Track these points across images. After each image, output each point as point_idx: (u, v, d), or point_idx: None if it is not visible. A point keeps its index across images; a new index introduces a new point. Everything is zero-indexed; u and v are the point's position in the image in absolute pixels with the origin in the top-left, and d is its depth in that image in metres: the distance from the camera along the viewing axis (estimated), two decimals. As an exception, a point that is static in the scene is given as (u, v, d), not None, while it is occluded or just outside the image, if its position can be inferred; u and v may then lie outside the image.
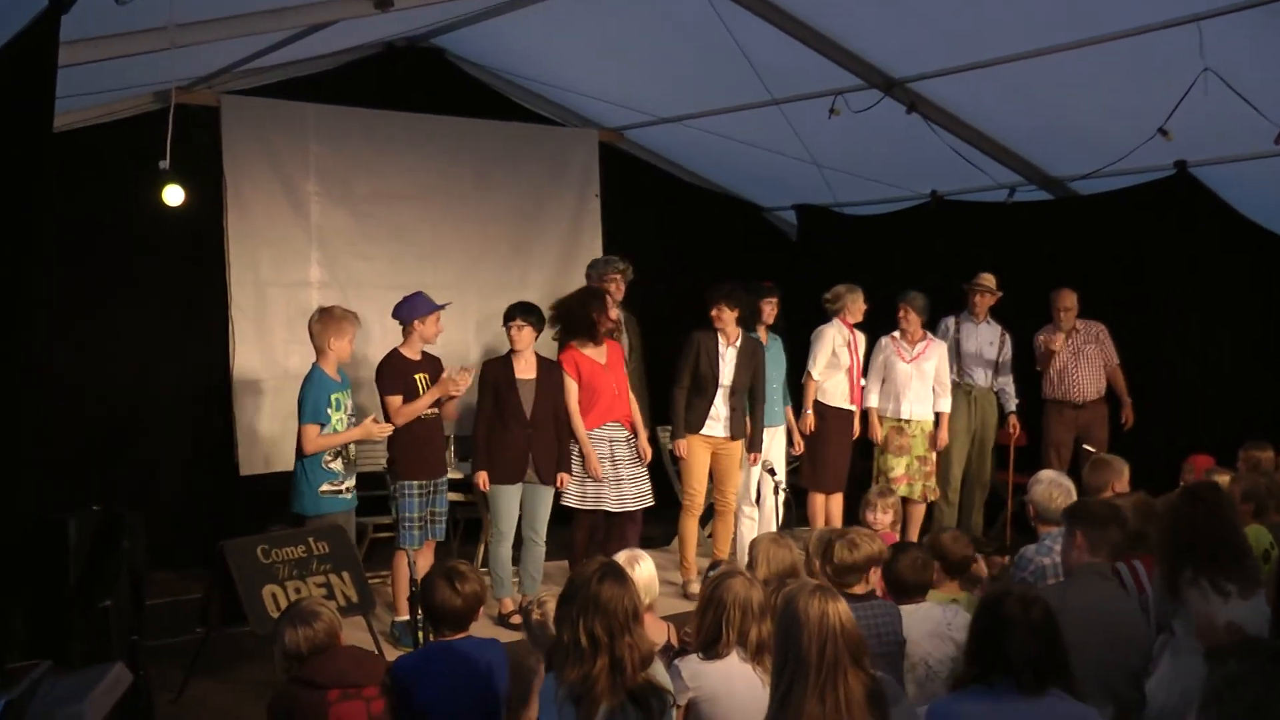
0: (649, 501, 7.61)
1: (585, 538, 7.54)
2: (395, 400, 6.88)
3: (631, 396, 7.75)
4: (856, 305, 8.57)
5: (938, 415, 8.71)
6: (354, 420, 6.75)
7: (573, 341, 7.54)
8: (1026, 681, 3.25)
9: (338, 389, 6.70)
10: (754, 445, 8.04)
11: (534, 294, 9.28)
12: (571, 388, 7.45)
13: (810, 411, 8.47)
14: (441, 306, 7.01)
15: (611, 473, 7.49)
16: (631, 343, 8.30)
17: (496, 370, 7.31)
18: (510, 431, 7.23)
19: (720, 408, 7.89)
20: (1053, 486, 5.89)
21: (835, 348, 8.47)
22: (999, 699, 3.26)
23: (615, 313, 7.60)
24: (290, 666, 4.17)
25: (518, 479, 7.26)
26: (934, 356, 8.69)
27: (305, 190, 8.80)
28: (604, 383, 7.52)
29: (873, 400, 8.63)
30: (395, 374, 6.92)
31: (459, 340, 9.25)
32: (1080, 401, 8.88)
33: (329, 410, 6.61)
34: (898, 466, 8.55)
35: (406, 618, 6.82)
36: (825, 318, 8.64)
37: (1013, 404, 9.09)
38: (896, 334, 8.68)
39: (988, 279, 8.93)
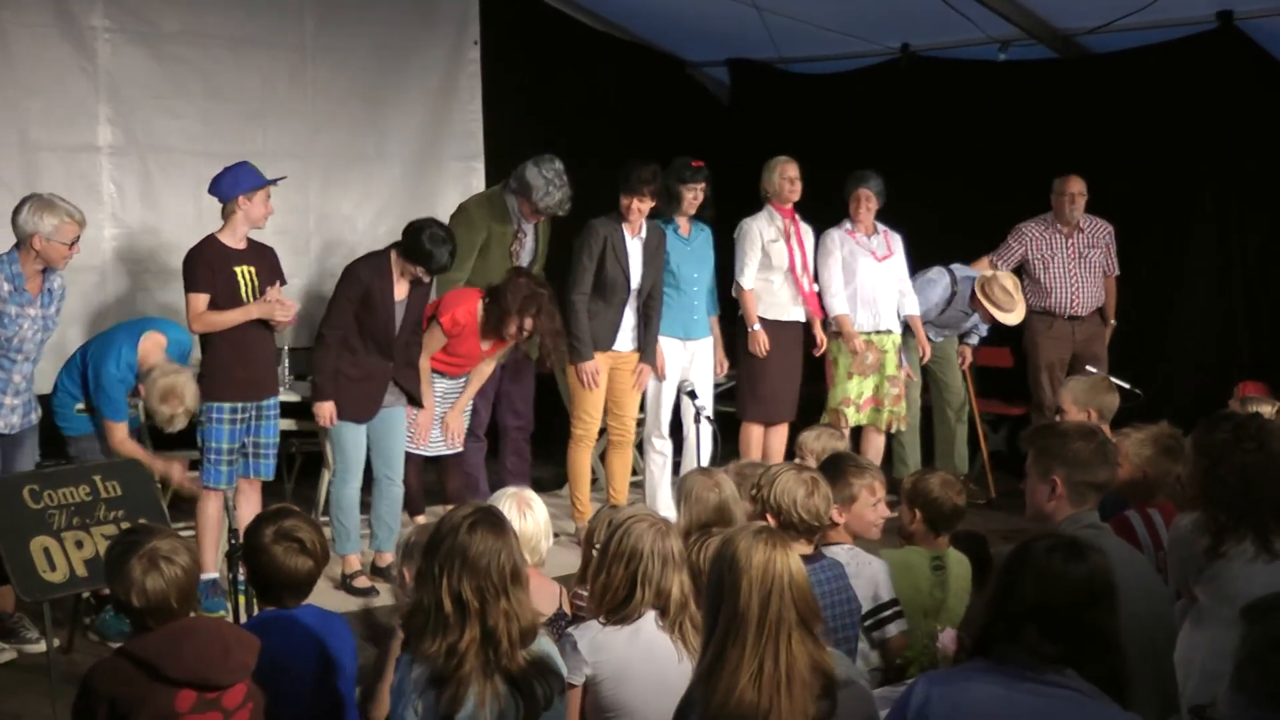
0: (455, 448, 7.84)
1: (418, 478, 7.85)
2: (198, 300, 6.70)
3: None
4: (786, 181, 8.39)
5: (909, 320, 8.72)
6: None
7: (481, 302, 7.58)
8: (1046, 653, 3.17)
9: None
10: (647, 354, 8.04)
11: (394, 167, 9.11)
12: (434, 339, 7.49)
13: (758, 328, 8.36)
14: (273, 181, 6.83)
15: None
16: (538, 249, 8.29)
17: (370, 276, 7.15)
18: (369, 359, 7.17)
19: (629, 315, 7.97)
20: None
21: (765, 244, 8.37)
22: (1004, 679, 3.17)
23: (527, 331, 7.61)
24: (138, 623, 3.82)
25: (367, 417, 7.23)
26: (898, 250, 8.71)
27: (90, 24, 8.48)
28: (469, 361, 7.70)
29: (840, 306, 8.54)
30: (205, 265, 6.72)
31: (296, 226, 9.13)
32: (1078, 314, 8.97)
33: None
34: (865, 389, 8.52)
35: (213, 575, 6.77)
36: (760, 202, 8.53)
37: (976, 338, 9.28)
38: (848, 225, 8.61)
39: (1012, 294, 8.78)
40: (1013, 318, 8.76)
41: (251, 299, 6.76)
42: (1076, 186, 8.86)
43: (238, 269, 6.77)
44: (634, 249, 7.88)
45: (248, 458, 6.91)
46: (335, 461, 7.29)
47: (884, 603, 5.02)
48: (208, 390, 6.77)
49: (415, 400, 7.41)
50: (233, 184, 6.77)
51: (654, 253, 7.97)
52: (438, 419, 7.68)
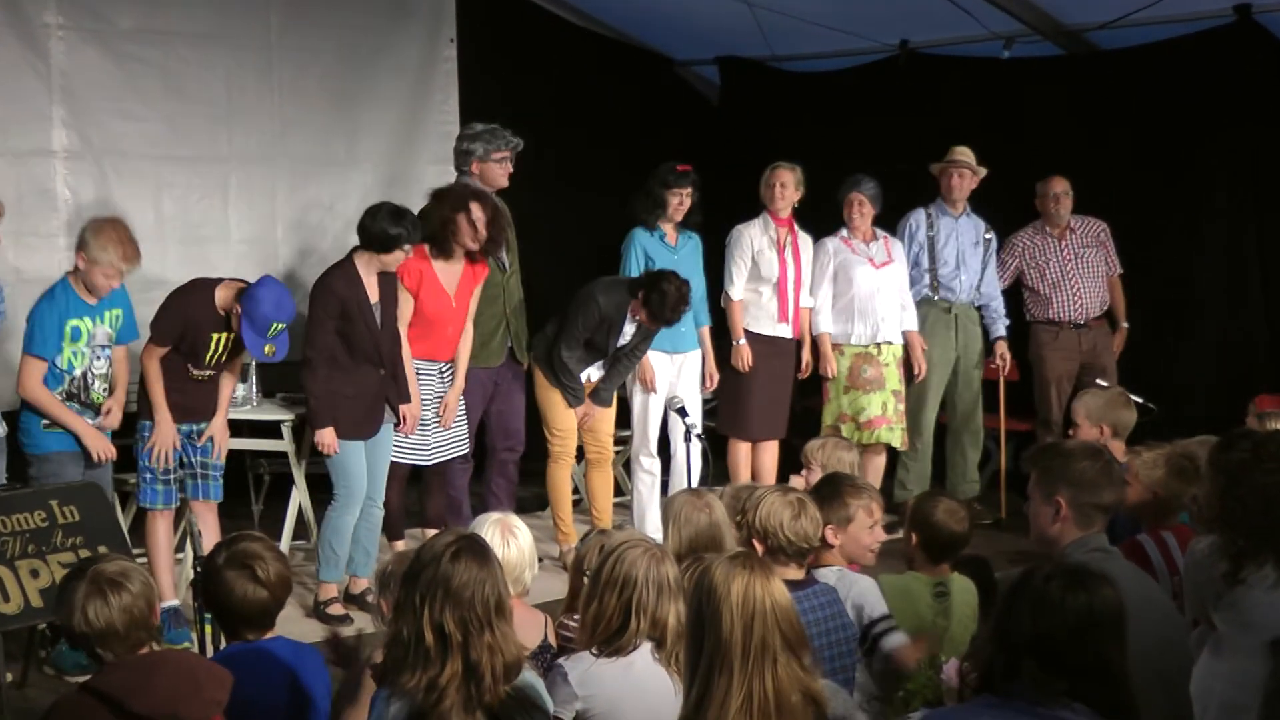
0: (461, 449, 7.76)
1: (399, 498, 7.71)
2: (153, 354, 6.70)
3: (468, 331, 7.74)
4: (769, 189, 8.43)
5: (906, 336, 8.72)
6: (102, 356, 6.66)
7: (426, 244, 7.43)
8: (1048, 689, 3.16)
9: (83, 313, 6.58)
10: (600, 395, 8.10)
11: (366, 172, 9.09)
12: (405, 306, 7.38)
13: (743, 343, 8.41)
14: (262, 336, 6.62)
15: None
16: (509, 243, 8.13)
17: (343, 288, 7.10)
18: (361, 372, 7.16)
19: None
20: None
21: (755, 253, 8.40)
22: (1010, 714, 3.17)
23: (482, 222, 7.42)
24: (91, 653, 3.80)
25: (371, 433, 7.22)
26: (898, 258, 8.73)
27: (42, 21, 8.43)
28: (443, 321, 7.54)
29: (824, 324, 8.54)
30: (181, 319, 6.70)
31: (263, 234, 9.11)
32: (1083, 320, 8.96)
33: (62, 341, 6.51)
34: (872, 405, 8.51)
35: (174, 602, 6.75)
36: (754, 208, 8.53)
37: (1002, 326, 9.11)
38: (844, 233, 8.62)
39: (964, 153, 8.87)
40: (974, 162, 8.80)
41: (214, 362, 6.81)
42: (1060, 186, 8.96)
43: (215, 335, 6.76)
44: (629, 329, 7.92)
45: (196, 479, 6.92)
46: (337, 487, 7.16)
47: (875, 619, 4.99)
48: (143, 408, 6.80)
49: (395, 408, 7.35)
50: (247, 303, 6.56)
51: (648, 333, 7.97)
52: (429, 424, 7.56)
